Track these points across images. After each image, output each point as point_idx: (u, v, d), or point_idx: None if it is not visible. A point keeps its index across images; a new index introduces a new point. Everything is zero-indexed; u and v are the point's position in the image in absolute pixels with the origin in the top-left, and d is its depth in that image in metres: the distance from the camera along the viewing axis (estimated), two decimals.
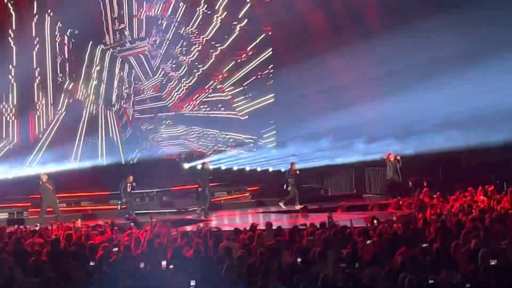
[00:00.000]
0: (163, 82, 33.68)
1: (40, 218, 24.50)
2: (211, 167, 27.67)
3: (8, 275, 12.64)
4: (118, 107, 32.57)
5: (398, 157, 26.19)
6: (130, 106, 32.91)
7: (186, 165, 31.84)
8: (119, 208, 26.45)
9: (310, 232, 16.26)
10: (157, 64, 33.54)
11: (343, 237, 15.53)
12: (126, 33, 32.92)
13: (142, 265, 13.18)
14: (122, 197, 26.39)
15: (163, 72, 33.62)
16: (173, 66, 33.80)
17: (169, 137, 33.16)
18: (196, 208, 26.43)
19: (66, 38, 30.94)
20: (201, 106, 33.51)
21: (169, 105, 33.54)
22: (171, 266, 12.76)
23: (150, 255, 14.22)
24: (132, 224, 19.79)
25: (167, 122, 33.33)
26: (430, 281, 10.88)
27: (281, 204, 26.70)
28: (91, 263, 13.58)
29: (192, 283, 11.51)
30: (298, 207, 26.57)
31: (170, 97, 33.55)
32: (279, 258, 13.32)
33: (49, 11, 30.47)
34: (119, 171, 29.08)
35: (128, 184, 26.25)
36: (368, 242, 14.52)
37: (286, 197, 26.92)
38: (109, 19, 32.39)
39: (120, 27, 32.69)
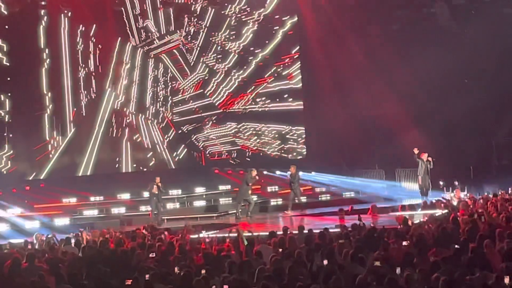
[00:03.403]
0: (206, 78, 32.18)
1: None
2: (254, 173, 26.44)
3: (40, 283, 12.74)
4: (154, 110, 32.27)
5: (430, 158, 26.02)
6: (168, 109, 32.31)
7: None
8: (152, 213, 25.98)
9: (341, 234, 16.25)
10: (195, 58, 32.11)
11: (374, 238, 15.50)
12: (152, 29, 31.71)
13: (176, 269, 13.23)
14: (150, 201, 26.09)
15: (204, 66, 32.14)
16: (218, 56, 31.95)
17: (216, 136, 32.70)
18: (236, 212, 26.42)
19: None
20: (258, 100, 32.30)
21: (216, 103, 32.37)
22: (203, 271, 12.76)
23: (183, 260, 14.27)
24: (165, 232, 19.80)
25: (212, 120, 32.40)
26: (464, 282, 10.81)
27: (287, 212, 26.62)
28: (126, 269, 13.64)
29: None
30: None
31: (217, 93, 32.18)
32: (312, 261, 13.33)
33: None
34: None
35: (155, 186, 25.79)
36: (405, 243, 14.46)
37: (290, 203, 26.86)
38: (131, 17, 31.45)
39: (144, 24, 31.63)
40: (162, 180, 26.34)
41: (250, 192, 26.41)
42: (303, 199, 27.56)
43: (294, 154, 32.58)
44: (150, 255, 14.89)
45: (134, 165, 31.80)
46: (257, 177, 26.63)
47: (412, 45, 29.28)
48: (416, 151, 26.12)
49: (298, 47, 32.13)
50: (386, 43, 29.84)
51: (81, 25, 30.68)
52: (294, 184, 26.61)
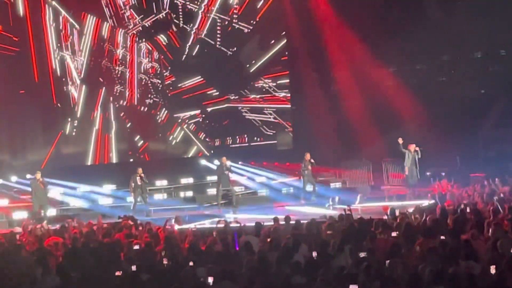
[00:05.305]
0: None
1: (34, 216, 23.83)
2: (227, 162, 25.89)
3: (27, 274, 12.71)
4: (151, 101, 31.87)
5: (417, 148, 25.99)
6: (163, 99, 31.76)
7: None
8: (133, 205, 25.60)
9: (328, 225, 16.25)
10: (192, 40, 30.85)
11: (361, 229, 15.51)
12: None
13: (164, 261, 13.23)
14: (131, 192, 25.74)
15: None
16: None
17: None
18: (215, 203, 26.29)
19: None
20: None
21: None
22: (190, 263, 12.75)
23: (169, 251, 14.26)
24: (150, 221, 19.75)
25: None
26: (450, 272, 10.83)
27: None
28: (113, 260, 13.62)
29: (210, 279, 11.49)
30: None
31: None
32: (298, 252, 13.33)
33: None
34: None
35: (138, 177, 25.37)
36: (394, 234, 14.46)
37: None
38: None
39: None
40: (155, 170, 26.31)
41: (227, 182, 25.87)
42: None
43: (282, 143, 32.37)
44: (137, 247, 14.86)
45: (129, 154, 31.63)
46: (224, 165, 25.82)
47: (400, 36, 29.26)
48: (400, 141, 26.10)
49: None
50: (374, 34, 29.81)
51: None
52: (304, 172, 26.58)
